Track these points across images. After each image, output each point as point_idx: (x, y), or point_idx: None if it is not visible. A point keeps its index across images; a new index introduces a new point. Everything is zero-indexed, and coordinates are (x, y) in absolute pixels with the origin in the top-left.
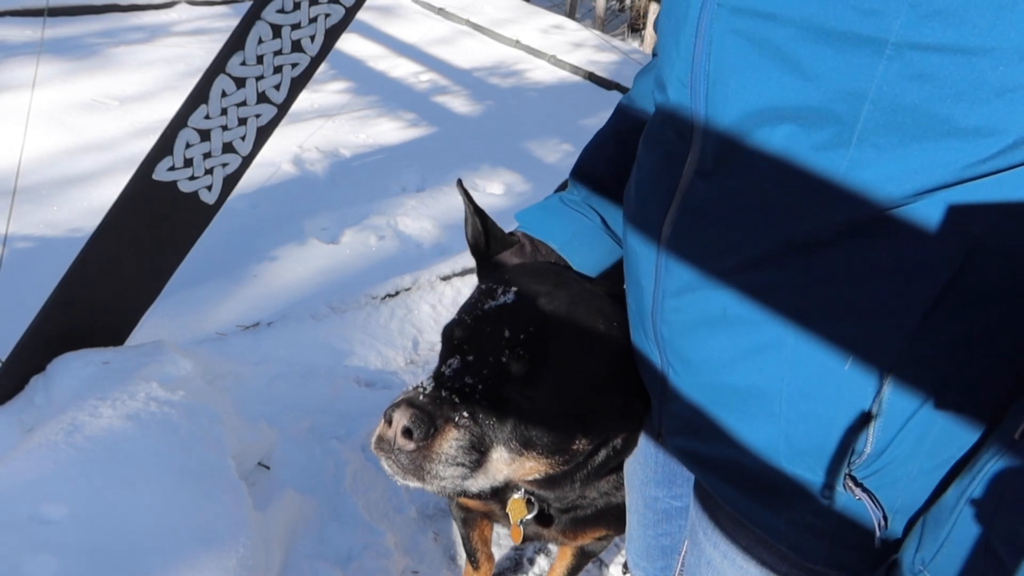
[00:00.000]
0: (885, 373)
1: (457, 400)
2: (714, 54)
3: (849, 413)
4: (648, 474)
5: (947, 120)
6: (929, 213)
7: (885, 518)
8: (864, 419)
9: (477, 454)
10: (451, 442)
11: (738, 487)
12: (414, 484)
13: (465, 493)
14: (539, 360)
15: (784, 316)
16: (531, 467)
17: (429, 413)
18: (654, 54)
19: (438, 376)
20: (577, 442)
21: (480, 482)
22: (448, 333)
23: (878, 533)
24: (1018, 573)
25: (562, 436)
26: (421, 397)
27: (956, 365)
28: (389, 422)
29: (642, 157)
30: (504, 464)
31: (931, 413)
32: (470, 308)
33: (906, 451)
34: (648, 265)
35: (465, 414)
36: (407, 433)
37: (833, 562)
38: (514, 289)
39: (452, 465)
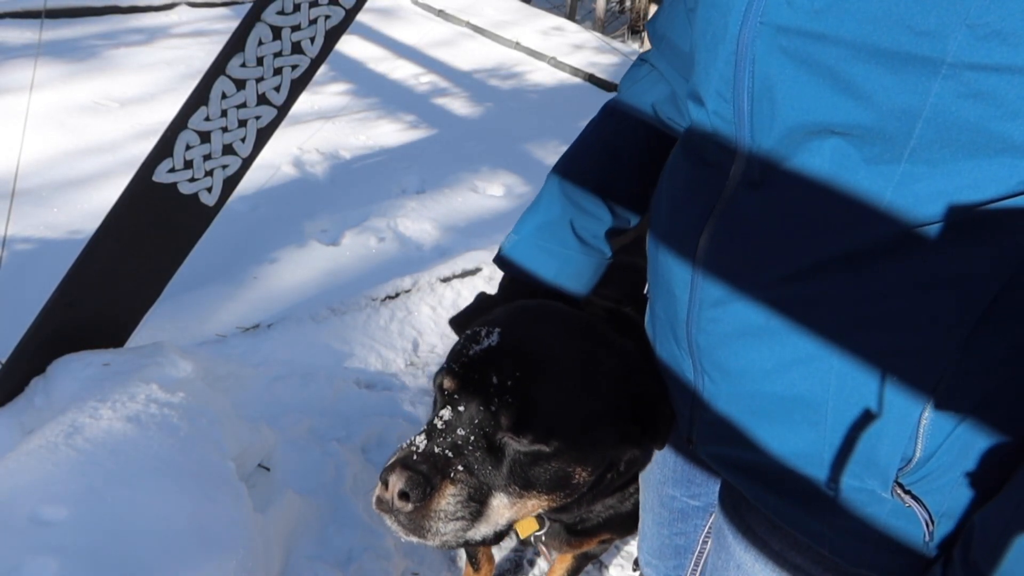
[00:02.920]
0: (932, 385)
1: (451, 455)
2: (758, 72)
3: (896, 422)
4: (666, 473)
5: (1002, 137)
6: (979, 228)
7: (932, 522)
8: (912, 428)
9: (476, 504)
10: (448, 499)
11: (778, 493)
12: (417, 541)
13: (468, 543)
14: (528, 404)
15: (829, 328)
16: (533, 505)
17: (424, 474)
18: (642, 59)
19: (430, 430)
20: (577, 476)
21: (483, 531)
22: (439, 383)
23: (926, 538)
24: None
25: (561, 473)
26: (415, 456)
27: (1004, 377)
28: (386, 484)
29: (678, 167)
30: (505, 508)
31: (978, 423)
32: (457, 355)
33: (952, 457)
34: (682, 275)
35: (460, 467)
36: (404, 496)
37: (876, 565)
38: (497, 331)
39: (452, 520)
